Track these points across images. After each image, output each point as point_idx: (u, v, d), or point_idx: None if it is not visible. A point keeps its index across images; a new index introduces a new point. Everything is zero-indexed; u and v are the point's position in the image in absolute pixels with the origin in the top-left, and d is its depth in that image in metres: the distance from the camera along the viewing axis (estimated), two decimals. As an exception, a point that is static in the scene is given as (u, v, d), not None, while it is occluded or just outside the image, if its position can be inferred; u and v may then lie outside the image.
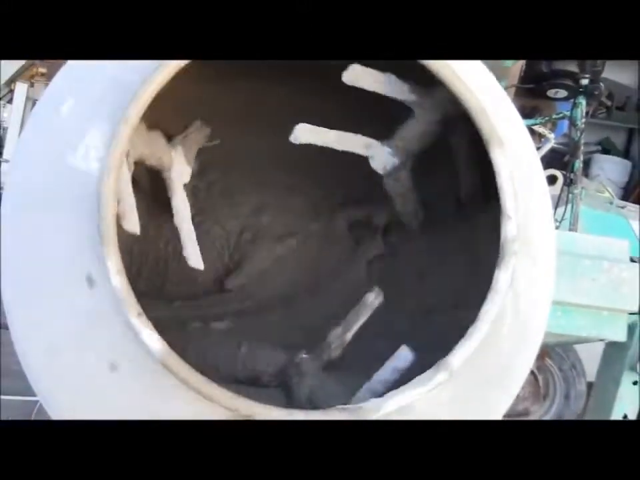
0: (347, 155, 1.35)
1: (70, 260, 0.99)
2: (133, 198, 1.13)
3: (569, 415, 4.01)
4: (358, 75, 1.21)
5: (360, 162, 1.37)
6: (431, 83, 1.16)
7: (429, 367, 1.01)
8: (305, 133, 1.31)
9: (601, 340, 2.17)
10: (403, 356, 1.19)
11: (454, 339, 1.01)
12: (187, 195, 1.42)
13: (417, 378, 1.00)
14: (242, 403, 0.94)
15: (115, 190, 0.96)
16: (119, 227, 1.03)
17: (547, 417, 4.05)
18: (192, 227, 1.38)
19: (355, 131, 1.35)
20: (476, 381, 1.07)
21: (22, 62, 4.41)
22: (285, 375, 1.33)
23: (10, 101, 4.50)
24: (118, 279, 0.93)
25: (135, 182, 1.18)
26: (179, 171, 1.37)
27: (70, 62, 1.11)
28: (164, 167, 1.35)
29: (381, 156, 1.36)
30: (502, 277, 1.03)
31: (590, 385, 3.69)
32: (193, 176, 1.47)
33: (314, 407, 1.17)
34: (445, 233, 1.52)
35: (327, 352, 1.31)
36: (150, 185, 1.44)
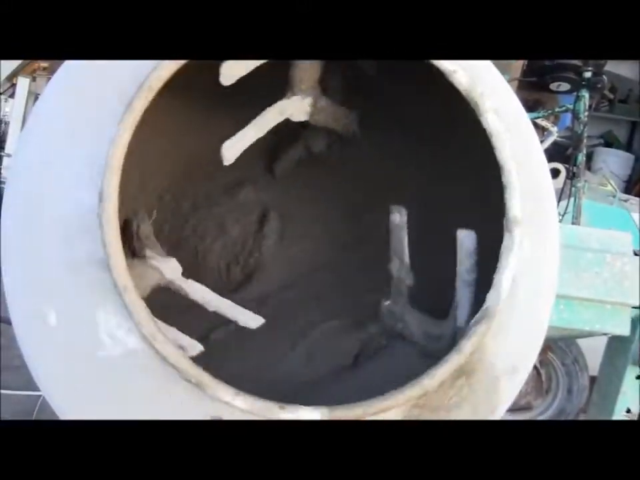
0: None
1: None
2: (167, 326, 1.10)
3: (572, 409, 4.00)
4: (232, 67, 1.18)
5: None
6: None
7: None
8: (231, 149, 1.31)
9: (605, 334, 2.17)
10: (467, 238, 1.19)
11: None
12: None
13: (503, 258, 1.03)
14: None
15: (166, 342, 0.95)
16: None
17: (550, 412, 4.04)
18: (226, 300, 1.34)
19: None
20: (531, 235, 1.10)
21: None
22: (390, 328, 1.35)
23: (12, 96, 4.49)
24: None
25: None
26: (168, 269, 1.30)
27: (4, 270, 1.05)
28: (155, 280, 1.29)
29: (296, 108, 1.36)
30: (504, 155, 1.05)
31: (592, 379, 3.69)
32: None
33: (432, 338, 1.20)
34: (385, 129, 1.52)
35: (402, 285, 1.32)
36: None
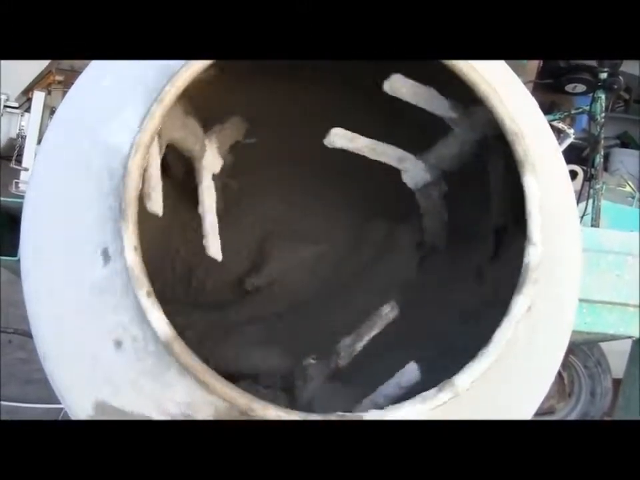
0: (378, 168, 1.34)
1: (89, 233, 0.98)
2: (160, 180, 1.11)
3: (595, 412, 3.97)
4: (399, 85, 1.20)
5: (391, 175, 1.35)
6: (471, 103, 1.15)
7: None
8: (339, 138, 1.31)
9: (629, 337, 2.14)
10: (410, 372, 1.18)
11: (465, 358, 1.00)
12: (216, 192, 1.40)
13: (420, 395, 0.98)
14: (240, 396, 0.93)
15: (141, 167, 0.95)
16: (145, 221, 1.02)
17: (573, 415, 4.01)
18: (215, 218, 1.36)
19: (390, 141, 1.33)
20: (484, 404, 1.04)
21: (39, 71, 4.43)
22: (290, 378, 1.33)
23: (28, 110, 4.52)
24: (132, 256, 0.92)
25: (167, 168, 1.18)
26: (210, 161, 1.35)
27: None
28: (195, 155, 1.32)
29: (414, 171, 1.35)
30: (519, 303, 1.01)
31: (615, 382, 3.65)
32: (225, 172, 1.45)
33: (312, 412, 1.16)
34: (467, 253, 1.49)
35: (335, 360, 1.30)
36: (182, 176, 1.42)
